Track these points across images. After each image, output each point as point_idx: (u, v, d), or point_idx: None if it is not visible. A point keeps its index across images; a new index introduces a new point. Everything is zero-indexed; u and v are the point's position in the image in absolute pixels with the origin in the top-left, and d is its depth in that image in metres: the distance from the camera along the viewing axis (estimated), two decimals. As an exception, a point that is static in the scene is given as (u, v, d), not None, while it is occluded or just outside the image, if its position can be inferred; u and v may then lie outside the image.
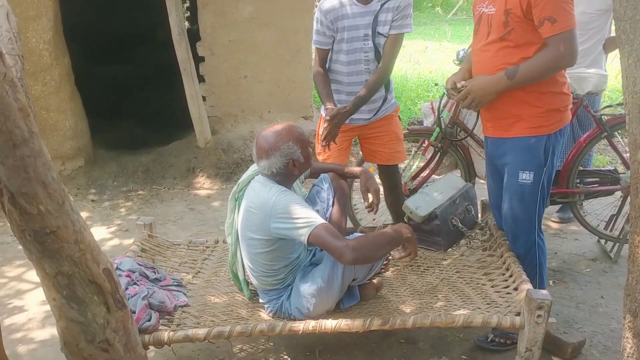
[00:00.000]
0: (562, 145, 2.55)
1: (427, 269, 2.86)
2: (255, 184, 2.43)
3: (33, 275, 3.14)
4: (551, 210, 3.96)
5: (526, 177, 2.49)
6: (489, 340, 2.67)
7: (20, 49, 2.10)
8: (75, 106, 5.01)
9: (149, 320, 2.34)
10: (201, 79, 5.26)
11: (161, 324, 2.41)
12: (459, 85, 2.67)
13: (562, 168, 3.41)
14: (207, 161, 5.17)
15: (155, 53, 7.16)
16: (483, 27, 2.48)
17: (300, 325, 2.31)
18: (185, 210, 4.57)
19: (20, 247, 1.90)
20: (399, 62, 8.84)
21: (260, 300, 2.59)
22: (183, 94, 4.96)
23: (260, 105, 5.53)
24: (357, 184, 2.94)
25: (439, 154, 3.66)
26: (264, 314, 2.56)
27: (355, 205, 3.78)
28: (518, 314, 2.28)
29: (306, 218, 2.26)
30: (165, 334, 2.31)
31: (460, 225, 2.92)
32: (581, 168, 3.44)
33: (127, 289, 2.41)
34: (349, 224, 3.41)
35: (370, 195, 2.68)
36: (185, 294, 2.69)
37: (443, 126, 3.53)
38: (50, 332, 2.94)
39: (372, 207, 2.70)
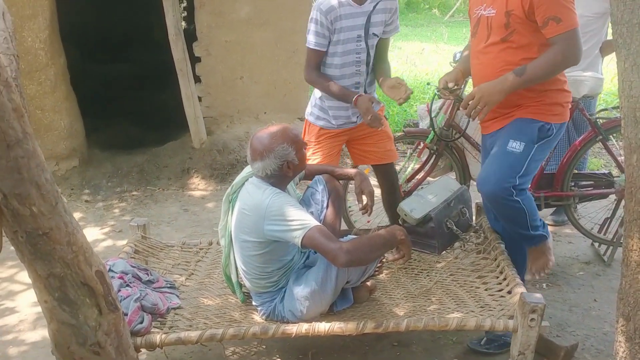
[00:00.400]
0: (556, 142, 2.56)
1: (421, 272, 2.86)
2: (249, 186, 2.43)
3: (25, 276, 3.12)
4: (545, 213, 3.97)
5: (516, 145, 2.44)
6: (482, 343, 2.67)
7: (15, 49, 2.09)
8: (71, 106, 4.99)
9: (141, 322, 2.33)
10: (197, 79, 5.25)
11: (153, 327, 2.40)
12: (450, 85, 2.68)
13: (557, 171, 3.42)
14: (202, 162, 5.15)
15: (152, 53, 7.15)
16: (482, 29, 2.49)
17: (293, 328, 2.31)
18: (179, 212, 4.56)
19: (12, 247, 1.89)
20: (395, 63, 8.85)
21: (254, 303, 2.59)
22: (179, 94, 4.95)
23: (256, 106, 5.52)
24: (352, 185, 2.94)
25: (434, 156, 3.66)
26: (257, 317, 2.55)
27: (349, 207, 3.77)
28: (511, 317, 2.29)
29: (300, 220, 2.26)
30: (158, 337, 2.30)
31: (454, 228, 2.92)
32: (576, 171, 3.45)
33: (119, 290, 2.40)
34: (343, 226, 3.40)
35: (364, 197, 2.68)
36: (178, 296, 2.68)
37: (436, 128, 3.53)
38: (42, 334, 2.92)
39: (367, 209, 2.70)
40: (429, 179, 3.76)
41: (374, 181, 3.22)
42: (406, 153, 3.90)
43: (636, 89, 1.77)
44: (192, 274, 2.96)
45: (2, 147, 1.63)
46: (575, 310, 3.01)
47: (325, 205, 2.70)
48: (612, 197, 3.53)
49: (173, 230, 4.20)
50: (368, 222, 3.58)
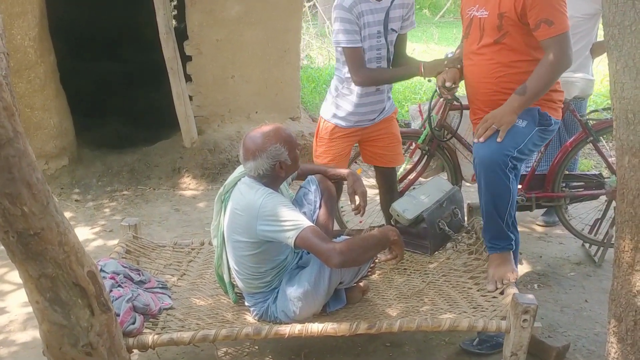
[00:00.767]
0: (550, 137, 2.58)
1: (414, 273, 2.86)
2: (242, 186, 2.42)
3: (15, 276, 3.09)
4: (536, 214, 3.99)
5: (519, 122, 2.44)
6: (474, 343, 2.67)
7: (5, 47, 2.06)
8: (60, 104, 4.95)
9: (133, 323, 2.32)
10: (188, 78, 5.22)
11: (145, 327, 2.38)
12: (447, 84, 2.69)
13: (548, 172, 3.44)
14: (193, 161, 5.13)
15: (142, 51, 7.10)
16: (474, 30, 2.49)
17: (286, 329, 2.30)
18: (170, 211, 4.53)
19: (2, 247, 1.87)
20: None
21: (246, 304, 2.58)
22: (170, 93, 4.92)
23: (248, 105, 5.50)
24: (345, 186, 2.94)
25: (426, 156, 3.66)
26: (250, 317, 2.55)
27: (342, 207, 3.77)
28: (504, 318, 2.29)
29: (293, 221, 2.25)
30: (150, 337, 2.28)
31: (446, 228, 2.93)
32: (567, 172, 3.47)
33: (111, 291, 2.38)
34: (336, 226, 3.40)
35: (357, 198, 2.68)
36: (170, 297, 2.67)
37: (434, 125, 3.51)
38: (32, 334, 2.90)
39: (359, 210, 2.69)
40: (421, 179, 3.77)
41: (366, 181, 3.23)
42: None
43: (628, 90, 1.78)
44: (184, 274, 2.94)
45: (-7, 146, 1.61)
46: (567, 311, 3.02)
47: (317, 205, 2.69)
48: (603, 198, 3.56)
49: (164, 230, 4.17)
50: (360, 222, 3.58)
